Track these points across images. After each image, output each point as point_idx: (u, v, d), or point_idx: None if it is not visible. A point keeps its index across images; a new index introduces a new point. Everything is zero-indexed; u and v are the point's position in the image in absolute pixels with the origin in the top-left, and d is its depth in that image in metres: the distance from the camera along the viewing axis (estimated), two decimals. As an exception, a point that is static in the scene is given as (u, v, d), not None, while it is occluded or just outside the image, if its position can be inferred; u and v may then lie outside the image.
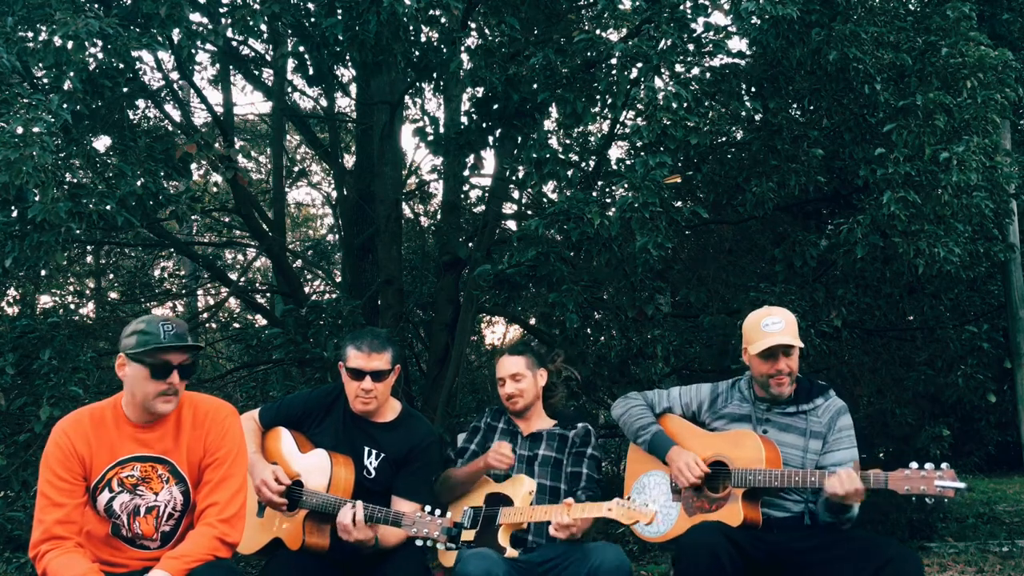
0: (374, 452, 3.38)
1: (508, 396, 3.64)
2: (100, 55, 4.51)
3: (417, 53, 5.41)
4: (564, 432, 3.63)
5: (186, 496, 2.86)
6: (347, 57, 5.52)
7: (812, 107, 5.76)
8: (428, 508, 3.09)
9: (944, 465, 2.95)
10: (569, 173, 5.21)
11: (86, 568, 2.65)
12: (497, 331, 12.56)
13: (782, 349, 3.29)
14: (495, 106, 5.42)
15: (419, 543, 3.08)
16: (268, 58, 7.02)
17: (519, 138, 5.51)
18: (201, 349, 2.90)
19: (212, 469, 2.84)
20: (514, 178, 6.45)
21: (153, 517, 2.83)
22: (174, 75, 6.86)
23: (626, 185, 4.75)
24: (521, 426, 3.67)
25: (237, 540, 2.81)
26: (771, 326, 3.33)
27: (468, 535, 3.36)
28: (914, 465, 2.97)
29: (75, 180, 4.83)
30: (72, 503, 2.74)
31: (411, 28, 5.06)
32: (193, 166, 6.84)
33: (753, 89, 5.52)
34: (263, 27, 5.24)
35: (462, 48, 5.15)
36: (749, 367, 3.43)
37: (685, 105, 4.53)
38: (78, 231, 4.51)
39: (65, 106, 4.27)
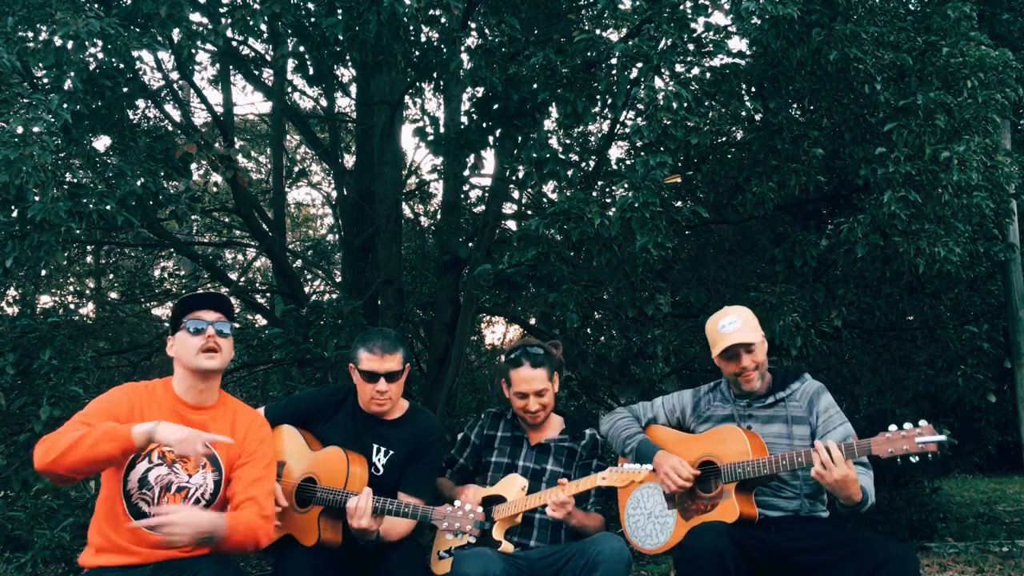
0: (383, 449, 3.41)
1: (533, 412, 3.53)
2: (100, 55, 4.51)
3: (417, 53, 5.40)
4: (572, 445, 3.57)
5: (217, 486, 2.90)
6: (347, 57, 5.52)
7: (812, 107, 5.76)
8: (458, 503, 3.14)
9: (922, 422, 2.98)
10: (569, 173, 5.20)
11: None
12: (497, 331, 12.58)
13: (742, 347, 3.34)
14: (495, 106, 5.42)
15: (449, 536, 3.16)
16: (268, 58, 7.02)
17: (519, 138, 5.51)
18: (228, 301, 2.97)
19: (249, 467, 2.91)
20: (514, 178, 6.45)
21: (182, 497, 2.86)
22: (174, 75, 6.87)
23: (626, 185, 4.74)
24: (530, 435, 3.60)
25: (271, 539, 2.92)
26: (727, 327, 3.38)
27: (463, 540, 3.36)
28: (893, 427, 3.00)
29: (75, 180, 4.82)
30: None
31: (411, 28, 5.06)
32: (193, 166, 6.82)
33: (753, 89, 5.51)
34: (263, 27, 5.23)
35: (462, 48, 5.14)
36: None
37: (685, 105, 4.53)
38: (78, 231, 4.50)
39: (65, 106, 4.26)
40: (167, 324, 3.09)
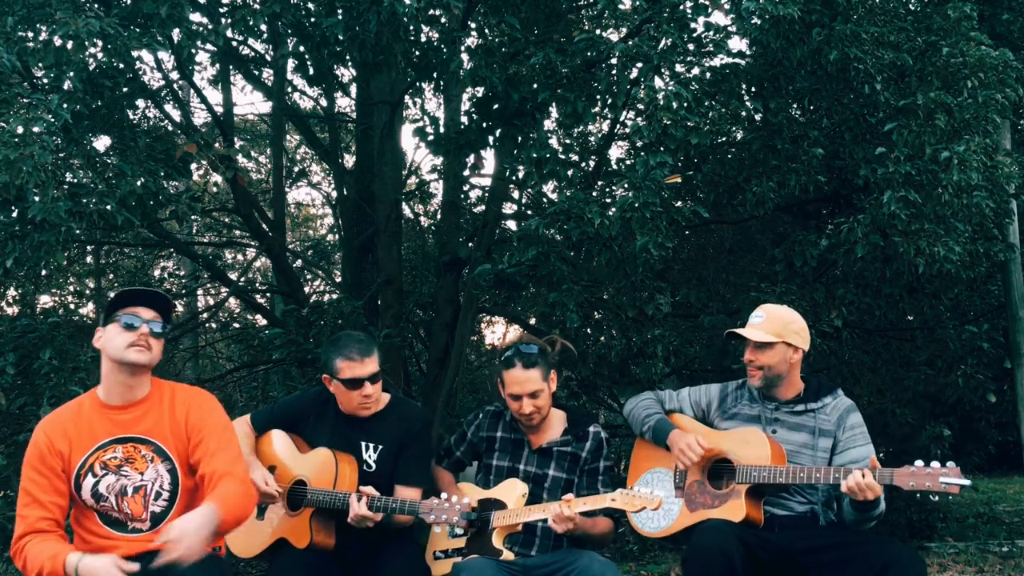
0: (371, 445, 3.41)
1: (527, 415, 3.40)
2: (100, 55, 4.50)
3: (417, 53, 5.40)
4: (576, 450, 3.46)
5: (173, 476, 2.85)
6: (347, 57, 5.51)
7: (812, 107, 5.76)
8: (444, 495, 3.12)
9: (950, 463, 2.97)
10: (569, 173, 5.20)
11: (60, 547, 2.66)
12: (497, 331, 12.55)
13: (747, 342, 3.37)
14: (495, 106, 5.41)
15: (437, 530, 3.12)
16: (268, 58, 7.02)
17: (519, 138, 5.50)
18: (166, 297, 2.89)
19: (205, 442, 2.84)
20: (514, 178, 6.44)
21: (141, 496, 2.83)
22: (174, 75, 6.85)
23: (626, 185, 4.74)
24: (531, 437, 3.50)
25: (256, 501, 2.90)
26: (753, 318, 3.42)
27: (459, 542, 3.33)
28: (920, 463, 2.98)
29: (75, 180, 4.82)
30: (52, 500, 2.76)
31: (411, 28, 5.05)
32: (193, 166, 6.82)
33: (753, 89, 5.51)
34: (263, 27, 5.22)
35: (462, 48, 5.13)
36: None
37: (685, 105, 4.52)
38: (78, 231, 4.50)
39: (65, 106, 4.26)
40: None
